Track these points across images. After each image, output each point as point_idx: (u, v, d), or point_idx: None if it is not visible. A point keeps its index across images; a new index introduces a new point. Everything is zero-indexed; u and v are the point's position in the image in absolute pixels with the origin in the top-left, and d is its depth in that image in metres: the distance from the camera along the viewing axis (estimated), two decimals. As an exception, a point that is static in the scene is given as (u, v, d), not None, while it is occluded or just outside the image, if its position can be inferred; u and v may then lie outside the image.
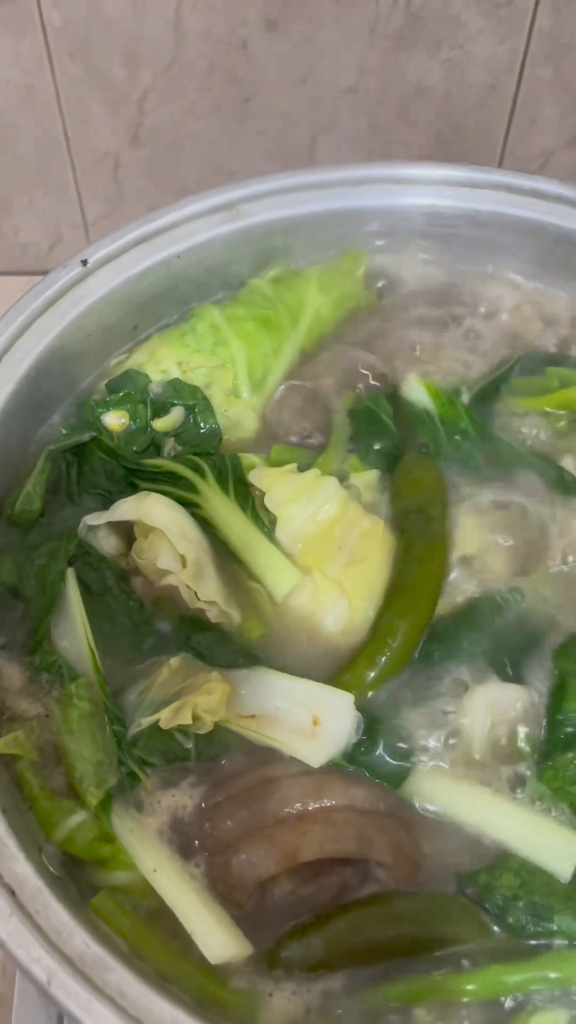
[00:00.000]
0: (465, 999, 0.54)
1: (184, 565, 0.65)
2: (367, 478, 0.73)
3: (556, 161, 1.42)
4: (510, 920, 0.56)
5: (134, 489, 0.70)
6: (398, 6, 1.23)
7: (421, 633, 0.65)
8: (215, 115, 1.34)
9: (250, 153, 1.40)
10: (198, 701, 0.60)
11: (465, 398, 0.76)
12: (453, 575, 0.68)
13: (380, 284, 0.85)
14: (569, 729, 0.61)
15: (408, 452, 0.73)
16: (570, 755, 0.59)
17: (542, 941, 0.56)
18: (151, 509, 0.66)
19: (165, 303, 0.80)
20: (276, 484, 0.69)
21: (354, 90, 1.31)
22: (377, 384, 0.77)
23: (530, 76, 1.31)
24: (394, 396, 0.76)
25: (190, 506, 0.69)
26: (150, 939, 0.54)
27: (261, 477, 0.70)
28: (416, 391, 0.75)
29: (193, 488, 0.69)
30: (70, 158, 1.37)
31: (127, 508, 0.67)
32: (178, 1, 1.21)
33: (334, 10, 1.23)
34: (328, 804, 0.57)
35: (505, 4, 1.23)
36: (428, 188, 0.82)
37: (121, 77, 1.28)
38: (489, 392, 0.78)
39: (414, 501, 0.70)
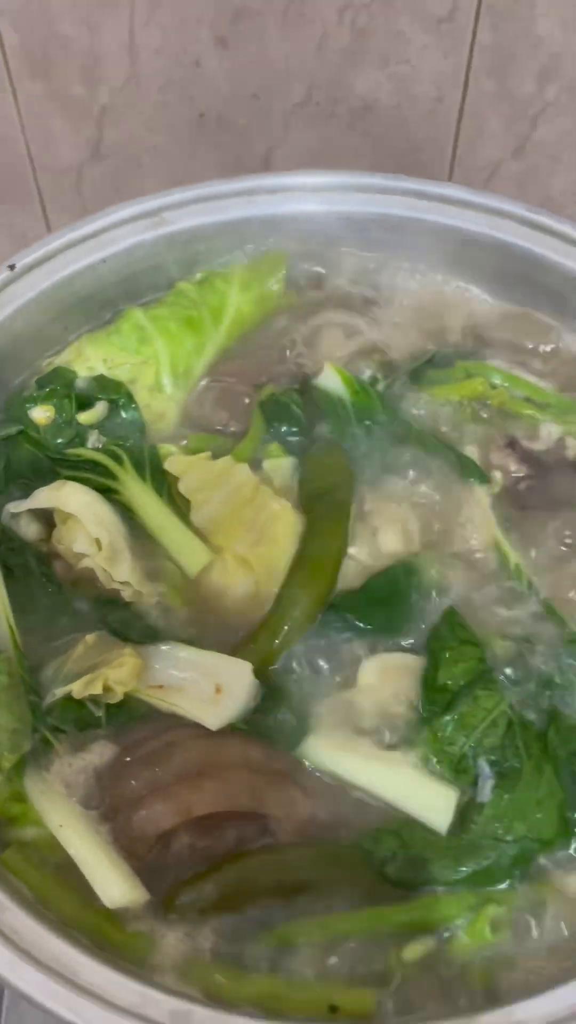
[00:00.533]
0: (345, 938, 0.57)
1: (99, 548, 0.70)
2: (279, 464, 0.77)
3: (504, 171, 1.46)
4: (389, 871, 0.60)
5: (57, 478, 0.75)
6: (344, 23, 1.27)
7: (319, 606, 0.69)
8: (171, 129, 1.38)
9: (207, 165, 1.45)
10: (110, 673, 0.64)
11: (380, 387, 0.81)
12: (355, 552, 0.72)
13: (300, 284, 0.90)
14: (445, 694, 0.65)
15: (318, 439, 0.78)
16: (447, 719, 0.64)
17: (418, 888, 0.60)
18: (68, 496, 0.71)
19: (94, 305, 0.85)
20: (189, 471, 0.74)
21: (305, 104, 1.36)
22: (294, 377, 0.82)
23: (474, 89, 1.35)
24: (305, 387, 0.80)
25: (109, 492, 0.74)
26: (55, 889, 0.59)
27: (175, 464, 0.75)
28: (331, 380, 0.79)
29: (112, 475, 0.74)
30: (34, 172, 1.42)
31: (45, 496, 0.72)
32: (131, 20, 1.25)
33: (281, 28, 1.27)
34: (223, 763, 0.61)
35: (446, 20, 1.27)
36: (344, 195, 0.87)
37: (80, 94, 1.33)
38: (402, 383, 0.82)
39: (321, 485, 0.74)
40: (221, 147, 1.41)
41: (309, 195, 0.87)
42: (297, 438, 0.80)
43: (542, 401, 0.81)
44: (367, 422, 0.78)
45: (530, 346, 0.84)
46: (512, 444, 0.78)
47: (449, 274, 0.89)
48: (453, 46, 1.29)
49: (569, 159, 1.44)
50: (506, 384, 0.81)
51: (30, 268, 0.80)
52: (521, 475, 0.78)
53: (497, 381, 0.81)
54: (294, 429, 0.80)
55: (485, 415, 0.81)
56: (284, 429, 0.80)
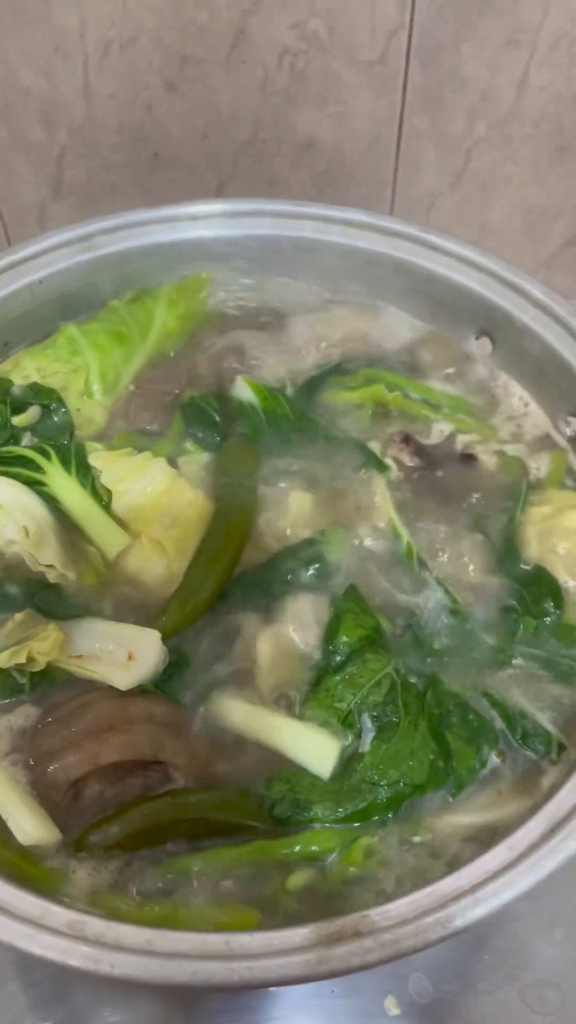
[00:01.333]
0: (234, 868, 0.64)
1: (27, 535, 0.77)
2: (196, 459, 0.85)
3: (442, 202, 1.55)
4: (276, 812, 0.67)
5: (-10, 475, 0.83)
6: (283, 67, 1.36)
7: (222, 582, 0.76)
8: (128, 168, 1.46)
9: (163, 200, 1.52)
10: (34, 645, 0.71)
11: (288, 391, 0.89)
12: (262, 534, 0.80)
13: (221, 301, 0.99)
14: (338, 657, 0.72)
15: (230, 437, 0.86)
16: (336, 678, 0.71)
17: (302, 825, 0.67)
18: (-2, 490, 0.79)
19: (32, 323, 0.93)
20: (111, 464, 0.82)
21: (251, 143, 1.44)
22: (211, 385, 0.91)
23: (409, 127, 1.44)
24: (221, 394, 0.89)
25: (37, 484, 0.82)
26: (-25, 830, 0.65)
27: (99, 459, 0.83)
28: (243, 390, 0.88)
29: (40, 468, 0.82)
30: (-1, 210, 1.49)
31: (-24, 491, 0.80)
32: (86, 69, 1.34)
33: (225, 73, 1.36)
34: (130, 718, 0.68)
35: (378, 63, 1.36)
36: (261, 220, 0.96)
37: (40, 137, 1.41)
38: (309, 389, 0.91)
39: (230, 475, 0.82)
40: (175, 183, 1.49)
41: (227, 220, 0.95)
42: (213, 438, 0.88)
43: (435, 402, 0.90)
44: (278, 424, 0.86)
45: (430, 359, 0.93)
46: (407, 439, 0.87)
47: (356, 291, 0.97)
48: (386, 87, 1.38)
49: (502, 190, 1.53)
50: (401, 388, 0.89)
51: (-31, 289, 0.89)
52: (415, 466, 0.86)
53: (394, 385, 0.89)
54: (211, 431, 0.88)
55: (384, 416, 0.89)
56: (202, 431, 0.88)
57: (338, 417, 0.89)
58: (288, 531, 0.80)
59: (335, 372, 0.92)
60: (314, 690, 0.71)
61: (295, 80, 1.37)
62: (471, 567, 0.80)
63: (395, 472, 0.85)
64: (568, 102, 1.38)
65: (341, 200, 1.54)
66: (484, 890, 0.57)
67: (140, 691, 0.71)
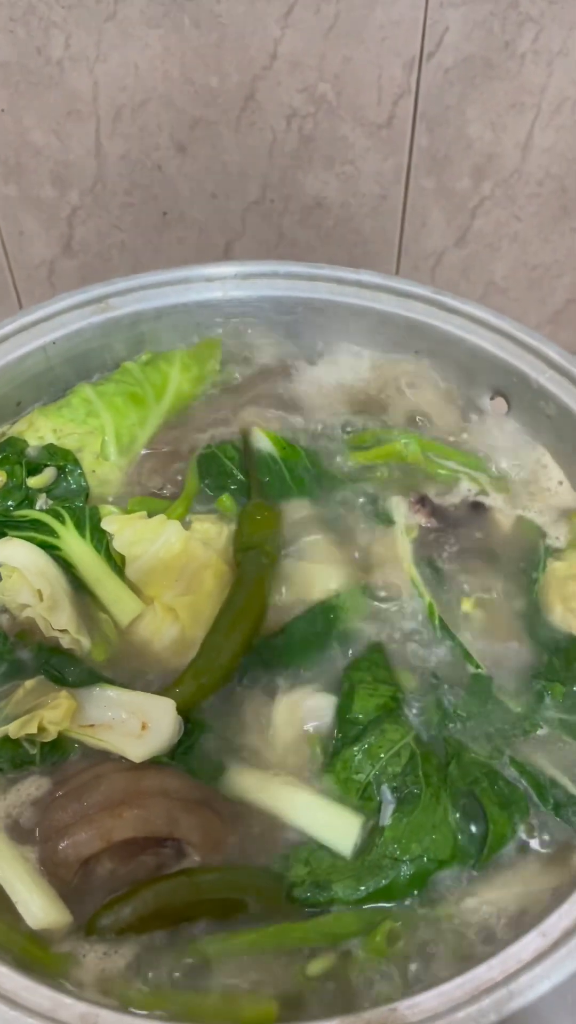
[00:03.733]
0: (252, 953, 0.62)
1: (41, 599, 0.76)
2: (210, 520, 0.84)
3: (448, 259, 1.56)
4: (294, 893, 0.64)
5: (4, 536, 0.81)
6: (291, 130, 1.37)
7: (241, 653, 0.74)
8: (137, 227, 1.48)
9: (172, 259, 1.54)
10: (45, 714, 0.70)
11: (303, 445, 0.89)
12: (281, 596, 0.78)
13: (234, 363, 0.98)
14: (355, 728, 0.70)
15: (253, 497, 0.85)
16: (355, 749, 0.69)
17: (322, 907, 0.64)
18: (12, 552, 0.77)
19: (45, 383, 0.93)
20: (124, 528, 0.80)
21: (260, 202, 1.45)
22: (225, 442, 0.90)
23: (415, 187, 1.45)
24: (245, 446, 0.88)
25: (51, 548, 0.80)
26: (-17, 913, 0.63)
27: (112, 522, 0.81)
28: (260, 441, 0.87)
29: (54, 533, 0.81)
30: (8, 266, 1.51)
31: (-8, 552, 0.79)
32: (97, 130, 1.35)
33: (235, 135, 1.37)
34: (143, 792, 0.66)
35: (385, 126, 1.38)
36: (275, 281, 0.96)
37: (51, 196, 1.42)
38: (323, 445, 0.90)
39: (252, 540, 0.81)
40: (184, 242, 1.51)
41: (240, 282, 0.95)
42: (229, 487, 0.87)
43: (450, 461, 0.89)
44: (297, 474, 0.85)
45: (445, 419, 0.93)
46: (423, 501, 0.85)
47: (370, 352, 0.97)
48: (393, 149, 1.40)
49: (507, 247, 1.54)
50: (417, 446, 0.89)
51: (-17, 350, 0.88)
52: (432, 528, 0.84)
53: (409, 443, 0.88)
54: (228, 482, 0.87)
55: (400, 474, 0.88)
56: (218, 480, 0.87)
57: (354, 474, 0.88)
58: (306, 592, 0.78)
59: (349, 430, 0.91)
60: (331, 762, 0.69)
61: (303, 142, 1.39)
62: (493, 630, 0.78)
63: (413, 533, 0.83)
64: (572, 163, 1.39)
65: (347, 257, 1.56)
66: (518, 982, 0.54)
67: (154, 763, 0.68)
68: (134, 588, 0.79)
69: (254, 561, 0.78)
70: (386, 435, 0.90)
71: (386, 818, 0.66)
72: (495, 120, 1.38)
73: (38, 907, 0.61)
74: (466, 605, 0.79)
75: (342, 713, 0.71)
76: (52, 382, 0.93)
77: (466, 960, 0.60)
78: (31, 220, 1.46)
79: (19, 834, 0.67)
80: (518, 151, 1.42)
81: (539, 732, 0.73)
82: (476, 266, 1.57)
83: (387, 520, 0.85)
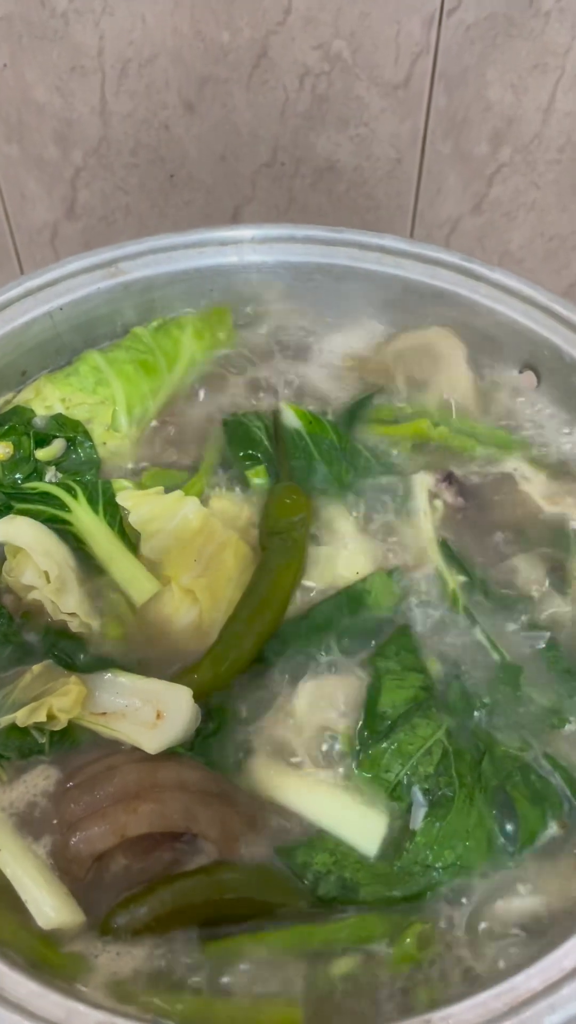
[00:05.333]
0: (274, 954, 0.58)
1: (48, 580, 0.72)
2: (228, 499, 0.80)
3: (463, 227, 1.51)
4: (319, 892, 0.61)
5: (10, 511, 0.77)
6: (304, 89, 1.32)
7: (264, 639, 0.71)
8: (143, 189, 1.43)
9: (178, 222, 1.50)
10: (54, 701, 0.66)
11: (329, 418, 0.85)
12: (307, 579, 0.74)
13: (249, 331, 0.94)
14: (384, 722, 0.66)
15: (283, 477, 0.81)
16: (384, 745, 0.65)
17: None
18: (17, 530, 0.73)
19: (51, 351, 0.88)
20: (140, 504, 0.76)
21: (270, 165, 1.41)
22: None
23: (431, 150, 1.40)
24: (275, 422, 0.84)
25: (62, 523, 0.76)
26: (-8, 910, 0.59)
27: (127, 498, 0.77)
28: (287, 415, 0.83)
29: (65, 507, 0.77)
30: (10, 229, 1.46)
31: (-4, 530, 0.74)
32: (102, 87, 1.30)
33: (245, 94, 1.32)
34: (159, 785, 0.62)
35: (402, 86, 1.33)
36: (292, 246, 0.91)
37: (54, 156, 1.38)
38: (346, 421, 0.86)
39: (280, 524, 0.77)
40: (191, 205, 1.46)
41: (257, 246, 0.91)
42: (255, 459, 0.82)
43: (478, 437, 0.85)
44: (325, 446, 0.81)
45: (471, 392, 0.88)
46: (449, 478, 0.81)
47: (392, 321, 0.92)
48: (409, 110, 1.35)
49: (524, 216, 1.50)
50: (444, 421, 0.84)
51: (-13, 315, 0.84)
52: (459, 507, 0.81)
53: (436, 418, 0.84)
54: (254, 450, 0.83)
55: (425, 449, 0.84)
56: (245, 451, 0.83)
57: (378, 449, 0.84)
58: (331, 576, 0.74)
59: (372, 403, 0.87)
60: (359, 757, 0.65)
61: (317, 102, 1.34)
62: (521, 617, 0.74)
63: (439, 511, 0.79)
64: (594, 128, 1.35)
65: (360, 224, 1.51)
66: (560, 993, 0.51)
67: (170, 753, 0.65)
68: (149, 567, 0.75)
69: (281, 547, 0.74)
70: (409, 410, 0.85)
71: (417, 822, 0.62)
72: (516, 82, 1.33)
73: (50, 906, 0.58)
74: (492, 590, 0.75)
75: (370, 707, 0.67)
76: (59, 350, 0.88)
77: (503, 967, 0.57)
78: (33, 181, 1.41)
79: (28, 827, 0.64)
80: (539, 115, 1.37)
81: (568, 727, 0.69)
82: (492, 235, 1.53)
83: (411, 499, 0.80)
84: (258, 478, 0.81)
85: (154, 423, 0.86)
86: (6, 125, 1.33)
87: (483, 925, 0.60)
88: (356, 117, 1.36)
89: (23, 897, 0.59)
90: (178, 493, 0.78)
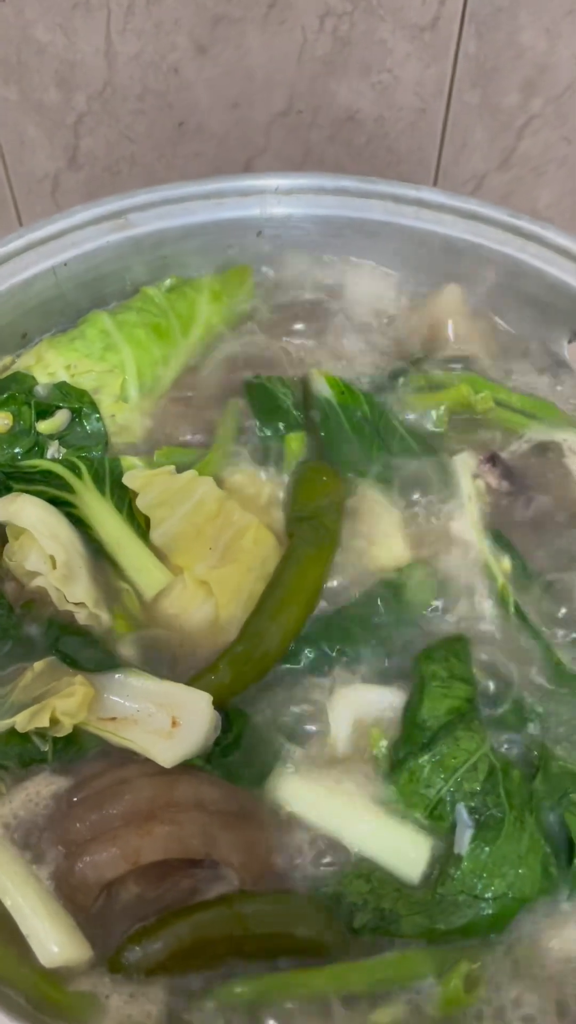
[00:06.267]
0: (306, 998, 0.52)
1: (54, 567, 0.65)
2: (246, 475, 0.72)
3: (489, 183, 1.44)
4: (355, 924, 0.55)
5: (10, 491, 0.70)
6: (324, 31, 1.24)
7: (291, 637, 0.64)
8: (150, 138, 1.35)
9: (187, 174, 1.42)
10: (58, 704, 0.59)
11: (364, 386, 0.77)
12: (337, 581, 0.67)
13: (271, 292, 0.86)
14: (426, 733, 0.60)
15: (307, 461, 0.74)
16: (425, 758, 0.59)
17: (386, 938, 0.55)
18: (21, 510, 0.66)
19: (55, 310, 0.80)
20: (149, 485, 0.69)
21: (286, 114, 1.33)
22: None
23: (458, 101, 1.33)
24: (304, 393, 0.77)
25: (66, 506, 0.69)
26: (-13, 942, 0.53)
27: (135, 479, 0.70)
28: (316, 383, 0.75)
29: (69, 488, 0.69)
30: (8, 179, 1.39)
31: (-4, 509, 0.67)
32: (108, 26, 1.22)
33: (261, 36, 1.24)
34: (176, 804, 0.56)
35: (429, 28, 1.24)
36: (321, 197, 0.83)
37: (56, 101, 1.30)
38: (378, 390, 0.78)
39: (308, 508, 0.70)
40: (200, 156, 1.38)
41: (281, 198, 0.82)
42: (279, 430, 0.75)
43: (524, 411, 0.77)
44: (355, 424, 0.74)
45: (516, 362, 0.80)
46: (493, 459, 0.74)
47: (428, 282, 0.84)
48: (436, 55, 1.27)
49: (554, 172, 1.42)
50: (486, 392, 0.77)
51: (-14, 270, 0.76)
52: (504, 490, 0.73)
53: (478, 387, 0.77)
54: (280, 418, 0.75)
55: (466, 424, 0.76)
56: (268, 418, 0.75)
57: (414, 424, 0.76)
58: (364, 567, 0.67)
59: (408, 371, 0.79)
60: (396, 771, 0.58)
61: (337, 45, 1.26)
62: (577, 614, 0.67)
63: (482, 497, 0.72)
64: None
65: (379, 178, 1.43)
66: None
67: (186, 766, 0.58)
68: (159, 555, 0.68)
69: (310, 534, 0.67)
70: (447, 379, 0.78)
71: (463, 845, 0.56)
72: (551, 27, 1.25)
73: (54, 942, 0.52)
74: (545, 585, 0.68)
75: (410, 715, 0.60)
76: (63, 310, 0.80)
77: (563, 1014, 0.51)
78: (33, 127, 1.33)
79: (27, 847, 0.57)
80: (573, 63, 1.29)
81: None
82: (519, 192, 1.45)
83: (452, 482, 0.73)
84: (295, 445, 0.73)
85: (167, 394, 0.79)
86: (4, 66, 1.25)
87: (541, 964, 0.54)
88: (379, 63, 1.28)
89: (23, 930, 0.53)
90: (191, 473, 0.70)
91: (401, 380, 0.79)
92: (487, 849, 0.56)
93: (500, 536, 0.71)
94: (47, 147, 1.34)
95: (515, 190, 1.44)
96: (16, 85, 1.26)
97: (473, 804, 0.57)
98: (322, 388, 0.74)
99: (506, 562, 0.69)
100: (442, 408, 0.77)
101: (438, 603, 0.67)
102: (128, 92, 1.28)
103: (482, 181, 1.43)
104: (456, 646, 0.64)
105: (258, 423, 0.75)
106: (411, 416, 0.77)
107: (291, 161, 1.41)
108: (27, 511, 0.66)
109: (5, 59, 1.24)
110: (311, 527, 0.67)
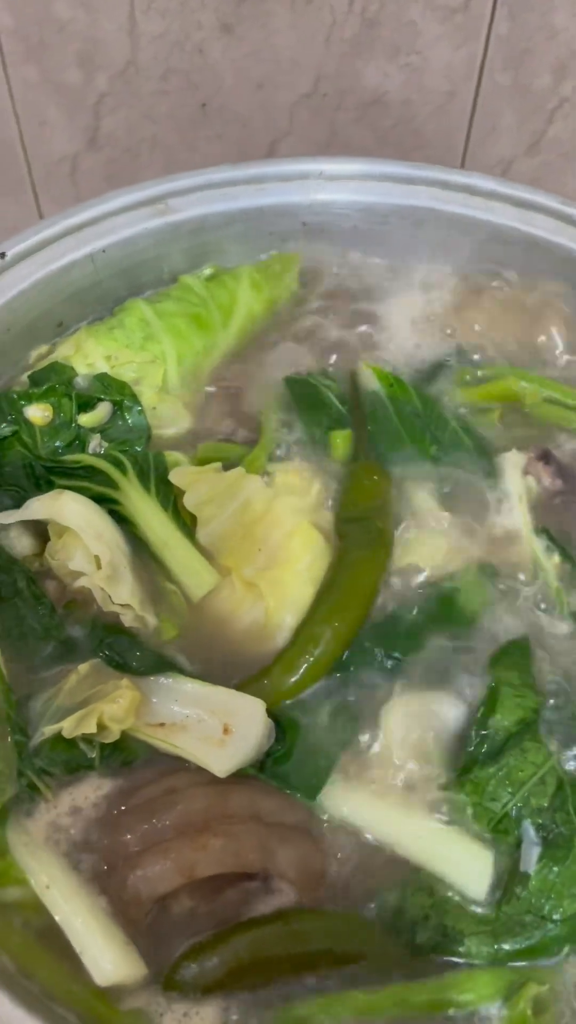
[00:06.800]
0: (367, 1019, 0.50)
1: (98, 567, 0.63)
2: (294, 473, 0.70)
3: (516, 168, 1.42)
4: (417, 941, 0.53)
5: (52, 487, 0.67)
6: (353, 11, 1.22)
7: (346, 643, 0.62)
8: (172, 119, 1.33)
9: (209, 157, 1.39)
10: (105, 709, 0.57)
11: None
12: (392, 581, 0.66)
13: (313, 282, 0.83)
14: (495, 741, 0.58)
15: (360, 451, 0.71)
16: (491, 769, 0.57)
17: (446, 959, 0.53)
18: (64, 507, 0.63)
19: (92, 299, 0.77)
20: (196, 483, 0.67)
21: (311, 96, 1.30)
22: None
23: (488, 83, 1.31)
24: (352, 388, 0.74)
25: (109, 503, 0.67)
26: (39, 958, 0.52)
27: (181, 476, 0.68)
28: (364, 376, 0.73)
29: (113, 484, 0.67)
30: (26, 161, 1.36)
31: (39, 506, 0.65)
32: (131, 4, 1.20)
33: (289, 15, 1.22)
34: (231, 816, 0.54)
35: (461, 10, 1.22)
36: (367, 184, 0.80)
37: (76, 80, 1.27)
38: (426, 382, 0.76)
39: (359, 509, 0.68)
40: (223, 138, 1.36)
41: (325, 183, 0.79)
42: (324, 428, 0.73)
43: (570, 403, 0.75)
44: (407, 412, 0.72)
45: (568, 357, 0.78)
46: (546, 456, 0.72)
47: (477, 273, 0.82)
48: (467, 37, 1.25)
49: (585, 158, 1.40)
50: (534, 385, 0.74)
51: (23, 257, 0.73)
52: (557, 489, 0.71)
53: (527, 381, 0.74)
54: (324, 415, 0.73)
55: (516, 420, 0.74)
56: (311, 415, 0.73)
57: (465, 420, 0.74)
58: (416, 571, 0.65)
59: (455, 363, 0.77)
60: (460, 783, 0.57)
61: (366, 27, 1.23)
62: None
63: (534, 496, 0.70)
64: None
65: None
66: None
67: (239, 776, 0.56)
68: (206, 556, 0.66)
69: (363, 536, 0.64)
70: (498, 373, 0.75)
71: (530, 863, 0.54)
72: (586, 7, 1.22)
73: (109, 960, 0.50)
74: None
75: (480, 721, 0.58)
76: (100, 298, 0.78)
77: None
78: (53, 108, 1.31)
79: (77, 861, 0.55)
80: (607, 46, 1.26)
81: None
82: (548, 178, 1.43)
83: (503, 480, 0.71)
84: (341, 442, 0.71)
85: (208, 387, 0.76)
86: (25, 44, 1.22)
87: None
88: (408, 44, 1.25)
89: (76, 947, 0.51)
90: (239, 471, 0.68)
91: (449, 372, 0.76)
92: (555, 869, 0.54)
93: (552, 536, 0.69)
94: (67, 128, 1.31)
95: (544, 175, 1.42)
96: (36, 64, 1.23)
97: (541, 821, 0.55)
98: (370, 381, 0.72)
99: (559, 562, 0.67)
100: (490, 403, 0.74)
101: (491, 607, 0.65)
102: (151, 72, 1.25)
103: (510, 166, 1.41)
104: (519, 649, 0.62)
105: (301, 420, 0.72)
106: (461, 411, 0.74)
107: (316, 144, 1.39)
108: (71, 509, 0.63)
109: (26, 37, 1.22)
110: (362, 529, 0.65)
